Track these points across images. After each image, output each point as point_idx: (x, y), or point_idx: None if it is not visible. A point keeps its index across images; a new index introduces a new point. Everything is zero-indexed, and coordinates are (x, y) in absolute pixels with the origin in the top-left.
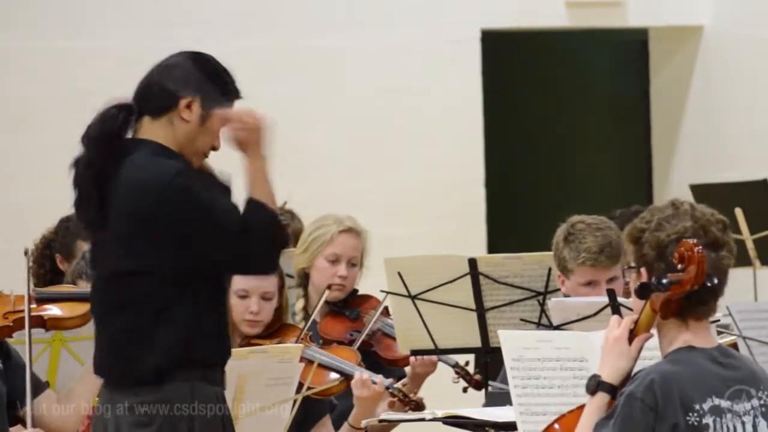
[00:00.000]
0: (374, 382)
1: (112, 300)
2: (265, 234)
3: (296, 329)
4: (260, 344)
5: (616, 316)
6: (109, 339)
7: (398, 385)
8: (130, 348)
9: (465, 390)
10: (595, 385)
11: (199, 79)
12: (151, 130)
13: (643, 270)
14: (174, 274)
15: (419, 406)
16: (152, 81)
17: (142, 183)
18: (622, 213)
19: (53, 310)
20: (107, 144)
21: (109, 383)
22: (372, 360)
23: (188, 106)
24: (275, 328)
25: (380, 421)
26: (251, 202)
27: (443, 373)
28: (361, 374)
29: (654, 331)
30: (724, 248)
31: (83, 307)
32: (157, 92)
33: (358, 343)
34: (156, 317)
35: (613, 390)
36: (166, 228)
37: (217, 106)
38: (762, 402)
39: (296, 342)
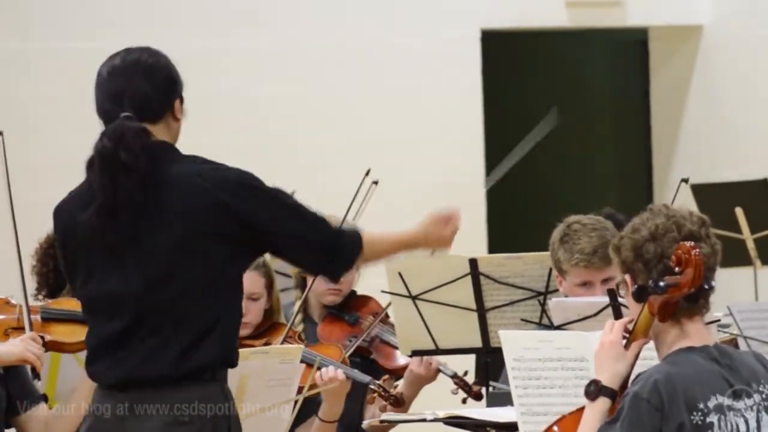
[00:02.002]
0: (338, 376)
1: (167, 300)
2: None
3: (285, 328)
4: (249, 345)
5: (610, 320)
6: (159, 339)
7: (379, 381)
8: (182, 348)
9: (464, 401)
10: (596, 391)
11: (175, 77)
12: (156, 134)
13: (627, 276)
14: (221, 273)
15: (398, 401)
16: (142, 85)
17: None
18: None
19: (56, 334)
20: (145, 162)
21: (144, 384)
22: (371, 367)
23: (178, 105)
24: (264, 328)
25: (381, 421)
26: None
27: (444, 375)
28: (326, 370)
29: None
30: (702, 241)
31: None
32: (154, 98)
33: (351, 350)
34: (204, 317)
35: (613, 395)
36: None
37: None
38: (764, 396)
39: (283, 341)
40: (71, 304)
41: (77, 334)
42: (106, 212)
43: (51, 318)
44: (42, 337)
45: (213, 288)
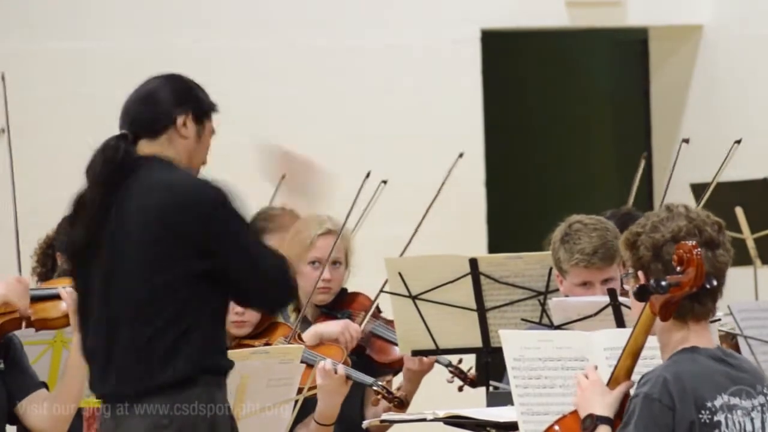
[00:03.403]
0: (336, 371)
1: (140, 309)
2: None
3: (285, 328)
4: (249, 345)
5: (585, 370)
6: (130, 348)
7: (382, 382)
8: (156, 357)
9: (461, 389)
10: (592, 424)
11: (183, 96)
12: (153, 149)
13: (640, 273)
14: (199, 285)
15: (403, 402)
16: (141, 106)
17: (185, 197)
18: (613, 213)
19: (39, 312)
20: (113, 173)
21: (125, 391)
22: (365, 362)
23: (184, 123)
24: (264, 328)
25: (382, 421)
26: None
27: (443, 374)
28: (324, 363)
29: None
30: (720, 248)
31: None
32: (152, 114)
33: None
34: (179, 327)
35: (610, 421)
36: (208, 241)
37: (206, 119)
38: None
39: (286, 342)
40: (55, 283)
41: (57, 308)
42: (85, 223)
43: (35, 298)
44: (28, 317)
45: (180, 296)
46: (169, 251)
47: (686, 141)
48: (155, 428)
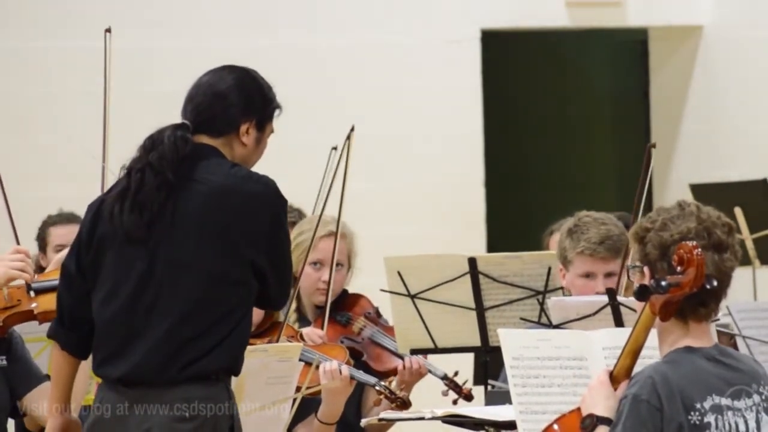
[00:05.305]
0: (340, 372)
1: (197, 302)
2: None
3: (287, 328)
4: (251, 344)
5: (603, 370)
6: (175, 338)
7: (384, 382)
8: (201, 350)
9: (455, 402)
10: (592, 424)
11: (252, 103)
12: (211, 144)
13: (646, 269)
14: (249, 280)
15: (405, 403)
16: (209, 102)
17: (256, 193)
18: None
19: (44, 304)
20: (179, 164)
21: (149, 382)
22: (361, 368)
23: (247, 131)
24: (266, 327)
25: (380, 420)
26: None
27: (435, 376)
28: (330, 364)
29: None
30: (728, 251)
31: None
32: (218, 117)
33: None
34: (229, 324)
35: (610, 422)
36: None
37: (267, 125)
38: (763, 397)
39: (278, 339)
40: (53, 274)
41: None
42: (132, 206)
43: (39, 290)
44: (31, 311)
45: (237, 292)
46: (232, 245)
47: (653, 146)
48: (179, 420)
